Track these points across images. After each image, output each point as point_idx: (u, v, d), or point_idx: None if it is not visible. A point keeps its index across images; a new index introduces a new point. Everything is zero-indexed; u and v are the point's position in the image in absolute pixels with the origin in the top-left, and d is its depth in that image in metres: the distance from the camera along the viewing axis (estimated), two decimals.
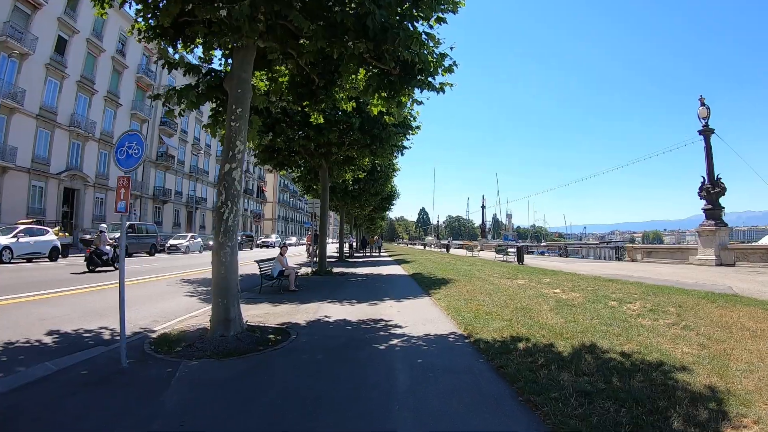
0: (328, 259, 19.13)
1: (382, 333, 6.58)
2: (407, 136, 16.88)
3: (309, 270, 16.93)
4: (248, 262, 14.91)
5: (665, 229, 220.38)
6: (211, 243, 16.40)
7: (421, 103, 7.76)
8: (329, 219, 71.41)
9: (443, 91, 6.66)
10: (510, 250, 27.18)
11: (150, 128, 43.01)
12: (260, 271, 11.22)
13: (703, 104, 18.87)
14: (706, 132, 18.74)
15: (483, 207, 55.53)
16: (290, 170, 19.19)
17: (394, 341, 6.02)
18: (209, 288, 7.87)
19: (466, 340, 6.00)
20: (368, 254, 39.04)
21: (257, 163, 18.33)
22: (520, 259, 22.25)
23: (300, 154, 17.06)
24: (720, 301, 8.30)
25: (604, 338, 5.75)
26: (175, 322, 7.31)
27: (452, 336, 6.29)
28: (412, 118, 16.50)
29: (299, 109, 9.59)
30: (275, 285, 11.44)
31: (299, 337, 6.23)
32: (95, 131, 34.70)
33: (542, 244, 58.70)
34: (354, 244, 44.92)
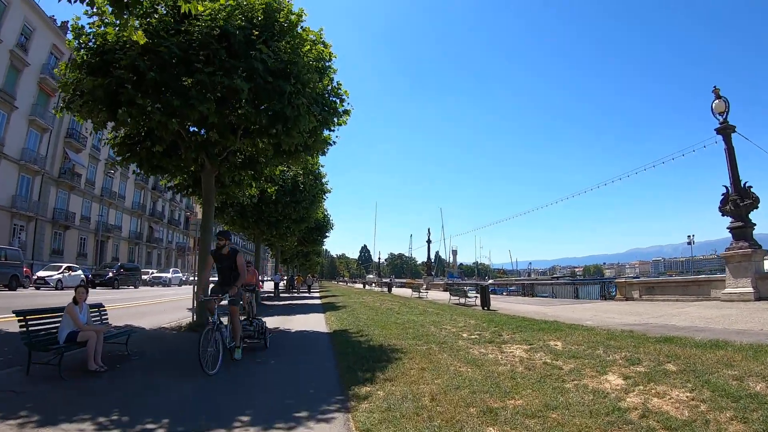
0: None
1: None
2: (331, 125, 11.91)
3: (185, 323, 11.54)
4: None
5: (605, 263, 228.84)
6: None
7: None
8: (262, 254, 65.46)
9: None
10: (470, 291, 22.54)
11: (53, 139, 36.27)
12: (28, 334, 5.86)
13: (719, 97, 15.35)
14: (726, 130, 15.05)
15: (429, 241, 51.49)
16: (167, 176, 13.43)
17: None
18: None
19: None
20: (296, 294, 35.31)
21: (117, 163, 12.65)
22: (486, 303, 17.53)
23: (176, 149, 11.65)
24: None
25: None
26: None
27: None
28: (338, 99, 11.59)
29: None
30: (57, 360, 5.90)
31: None
32: None
33: (490, 281, 55.00)
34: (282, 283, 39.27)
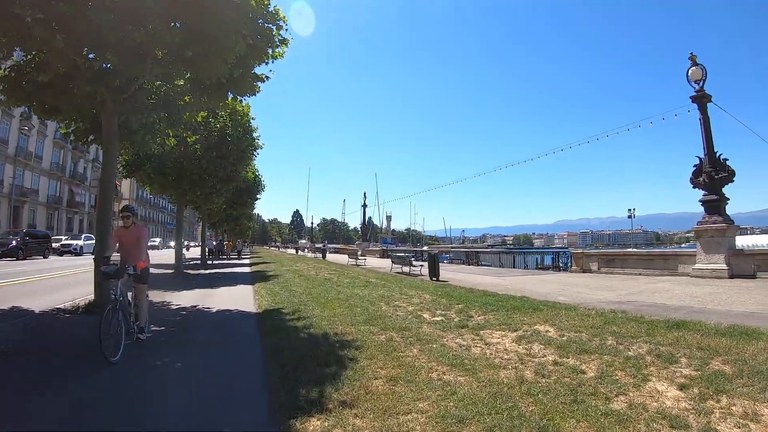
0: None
1: None
2: (265, 57, 9.60)
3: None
4: None
5: (534, 233, 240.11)
6: None
7: None
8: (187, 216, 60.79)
9: None
10: (414, 260, 20.70)
11: None
12: None
13: (695, 63, 14.43)
14: (702, 99, 14.17)
15: (364, 206, 49.39)
16: (64, 120, 10.41)
17: None
18: None
19: None
20: (225, 261, 32.99)
21: (2, 103, 9.59)
22: (435, 274, 15.85)
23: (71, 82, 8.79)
24: None
25: None
26: None
27: None
28: (274, 26, 9.27)
29: None
30: None
31: None
32: None
33: (424, 248, 53.70)
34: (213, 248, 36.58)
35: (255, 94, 10.54)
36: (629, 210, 57.24)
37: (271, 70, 10.37)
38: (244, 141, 20.48)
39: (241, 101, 16.16)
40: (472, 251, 35.10)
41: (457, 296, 10.67)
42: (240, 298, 11.54)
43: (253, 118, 21.38)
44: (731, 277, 12.46)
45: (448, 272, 18.76)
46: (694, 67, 14.42)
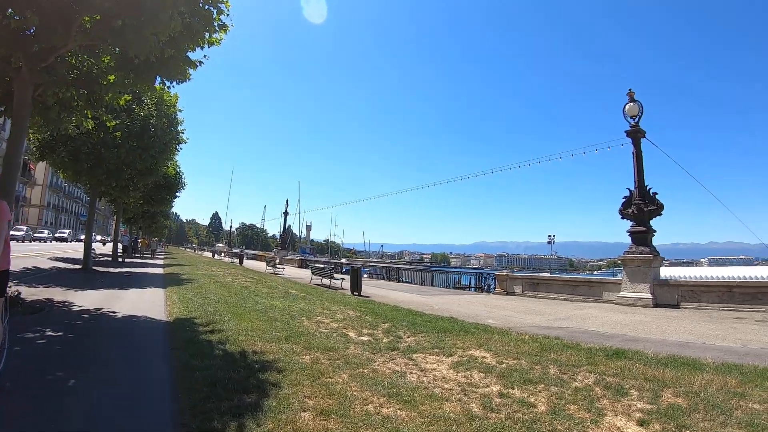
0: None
1: None
2: (201, 41, 8.72)
3: None
4: None
5: (451, 252, 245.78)
6: None
7: None
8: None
9: None
10: (335, 274, 20.22)
11: None
12: None
13: (633, 100, 15.02)
14: (637, 134, 14.79)
15: (285, 213, 48.07)
16: None
17: None
18: None
19: None
20: (139, 260, 31.57)
21: None
22: (357, 288, 15.51)
23: None
24: None
25: None
26: None
27: None
28: (214, 9, 8.47)
29: None
30: None
31: None
32: None
33: (343, 261, 52.93)
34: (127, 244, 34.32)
35: (186, 80, 9.59)
36: (549, 236, 60.14)
37: (205, 56, 9.45)
38: (168, 133, 19.27)
39: (169, 89, 14.95)
40: (393, 267, 34.77)
41: (382, 314, 10.21)
42: (150, 303, 10.41)
43: (180, 110, 20.20)
44: (655, 306, 12.86)
45: (370, 287, 18.31)
46: (631, 103, 15.03)
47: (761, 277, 12.20)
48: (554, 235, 60.09)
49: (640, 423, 3.83)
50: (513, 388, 4.77)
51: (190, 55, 9.13)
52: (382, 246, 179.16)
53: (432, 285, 26.07)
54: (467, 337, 7.67)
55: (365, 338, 7.42)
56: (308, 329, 7.91)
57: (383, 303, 12.71)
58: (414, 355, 6.28)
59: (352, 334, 7.75)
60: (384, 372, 5.29)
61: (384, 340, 7.25)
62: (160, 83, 9.75)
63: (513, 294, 17.76)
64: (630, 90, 14.98)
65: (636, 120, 14.81)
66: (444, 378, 5.18)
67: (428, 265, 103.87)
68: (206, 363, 5.22)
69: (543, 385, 4.91)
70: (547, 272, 40.71)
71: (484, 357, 6.29)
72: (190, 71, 9.36)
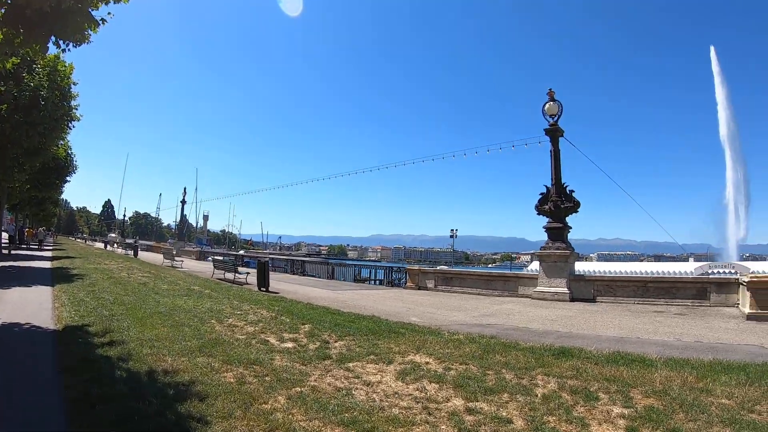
0: None
1: None
2: None
3: None
4: None
5: (348, 245, 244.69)
6: None
7: None
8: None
9: None
10: (242, 269, 18.98)
11: None
12: None
13: (553, 99, 15.47)
14: (555, 132, 15.28)
15: (183, 202, 45.58)
16: None
17: None
18: None
19: None
20: (24, 251, 29.08)
21: None
22: (265, 284, 14.72)
23: None
24: None
25: None
26: None
27: None
28: None
29: None
30: None
31: None
32: None
33: (241, 252, 51.24)
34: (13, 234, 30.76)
35: (86, 42, 7.81)
36: (452, 230, 62.39)
37: (109, 13, 7.79)
38: (60, 108, 17.14)
39: (64, 52, 12.65)
40: (298, 260, 33.69)
41: (298, 313, 9.46)
42: (35, 306, 8.88)
43: (75, 83, 17.97)
44: (572, 300, 13.28)
45: (276, 282, 17.29)
46: (551, 103, 15.46)
47: (674, 272, 13.12)
48: (456, 230, 62.17)
49: (630, 431, 3.53)
50: (478, 401, 4.23)
51: (93, 12, 7.52)
52: (280, 237, 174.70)
53: (333, 278, 25.42)
54: (399, 339, 7.15)
55: (289, 345, 6.52)
56: (222, 336, 6.85)
57: (295, 300, 11.99)
58: (350, 365, 5.53)
59: (272, 339, 6.81)
60: (325, 389, 4.45)
61: (311, 347, 6.42)
62: (54, 43, 7.96)
63: (425, 289, 17.62)
64: (550, 90, 15.44)
65: (555, 119, 15.28)
66: (396, 393, 4.47)
67: (327, 257, 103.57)
68: (108, 391, 4.06)
69: (507, 395, 4.44)
70: (441, 264, 41.82)
71: (427, 363, 5.74)
72: (90, 33, 7.70)
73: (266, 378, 4.71)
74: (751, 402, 4.14)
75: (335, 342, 6.83)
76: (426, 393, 4.48)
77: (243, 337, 6.89)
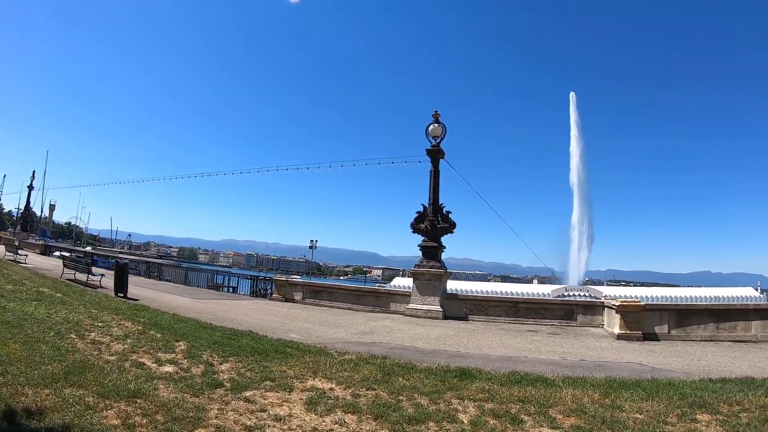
0: None
1: None
2: None
3: None
4: None
5: (200, 248, 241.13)
6: None
7: None
8: None
9: None
10: (96, 269, 17.45)
11: None
12: None
13: (437, 121, 15.92)
14: (437, 153, 15.80)
15: (31, 187, 39.30)
16: None
17: None
18: None
19: None
20: None
21: None
22: (123, 289, 13.62)
23: None
24: None
25: None
26: None
27: None
28: None
29: None
30: None
31: None
32: None
33: (88, 249, 46.05)
34: None
35: None
36: (311, 241, 62.15)
37: None
38: None
39: None
40: (155, 263, 31.58)
41: (168, 327, 8.52)
42: None
43: None
44: (445, 318, 13.71)
45: (134, 287, 15.62)
46: (435, 124, 15.91)
47: (542, 294, 14.42)
48: (316, 240, 61.90)
49: None
50: None
51: None
52: (129, 235, 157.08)
53: (187, 283, 24.21)
54: (290, 360, 6.65)
55: (169, 368, 5.59)
56: (88, 357, 5.74)
57: (159, 310, 10.99)
58: (248, 394, 4.87)
59: (148, 362, 5.82)
60: (233, 429, 3.74)
61: (195, 372, 5.59)
62: None
63: (293, 301, 17.08)
64: (436, 111, 15.93)
65: (438, 141, 15.80)
66: (316, 430, 3.92)
67: (178, 260, 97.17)
68: None
69: (434, 423, 4.30)
70: (295, 274, 41.68)
71: (332, 389, 5.33)
72: None
73: (158, 417, 3.83)
74: (661, 415, 4.54)
75: (220, 365, 6.05)
76: (348, 427, 4.06)
77: (113, 358, 5.79)
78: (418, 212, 15.78)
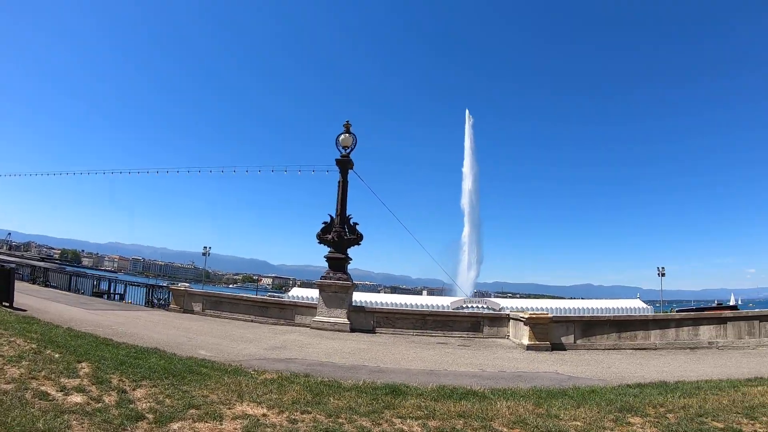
0: None
1: None
2: None
3: None
4: None
5: (83, 250, 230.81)
6: None
7: None
8: None
9: None
10: None
11: None
12: None
13: (348, 132, 15.88)
14: (346, 164, 15.79)
15: None
16: None
17: None
18: None
19: None
20: None
21: None
22: (8, 297, 12.37)
23: None
24: None
25: None
26: None
27: None
28: None
29: None
30: None
31: None
32: None
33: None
34: None
35: None
36: (205, 247, 59.30)
37: None
38: None
39: None
40: (40, 267, 27.99)
41: (66, 345, 7.67)
42: None
43: None
44: (352, 330, 13.73)
45: (20, 294, 13.96)
46: (346, 134, 15.85)
47: (443, 306, 15.00)
48: (210, 247, 59.10)
49: None
50: None
51: None
52: (9, 234, 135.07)
53: (73, 290, 22.28)
54: (208, 382, 6.26)
55: (78, 398, 4.97)
56: None
57: (53, 323, 10.12)
58: (175, 427, 4.55)
59: (52, 390, 5.16)
60: None
61: (108, 401, 5.04)
62: None
63: (192, 312, 16.24)
64: (347, 122, 15.92)
65: (348, 151, 15.81)
66: None
67: (61, 263, 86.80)
68: None
69: None
70: (182, 281, 39.38)
71: (265, 415, 5.11)
72: None
73: None
74: (597, 420, 5.01)
75: (134, 390, 5.52)
76: None
77: (10, 387, 5.03)
78: (324, 222, 15.65)
